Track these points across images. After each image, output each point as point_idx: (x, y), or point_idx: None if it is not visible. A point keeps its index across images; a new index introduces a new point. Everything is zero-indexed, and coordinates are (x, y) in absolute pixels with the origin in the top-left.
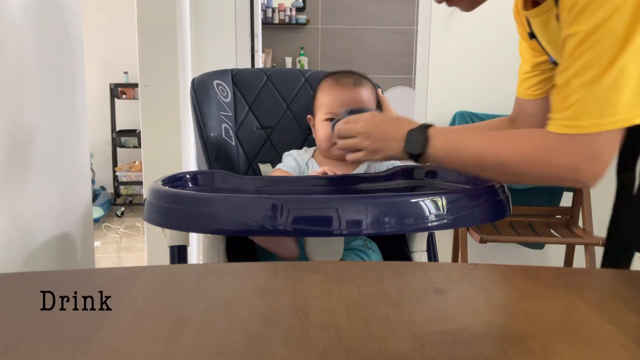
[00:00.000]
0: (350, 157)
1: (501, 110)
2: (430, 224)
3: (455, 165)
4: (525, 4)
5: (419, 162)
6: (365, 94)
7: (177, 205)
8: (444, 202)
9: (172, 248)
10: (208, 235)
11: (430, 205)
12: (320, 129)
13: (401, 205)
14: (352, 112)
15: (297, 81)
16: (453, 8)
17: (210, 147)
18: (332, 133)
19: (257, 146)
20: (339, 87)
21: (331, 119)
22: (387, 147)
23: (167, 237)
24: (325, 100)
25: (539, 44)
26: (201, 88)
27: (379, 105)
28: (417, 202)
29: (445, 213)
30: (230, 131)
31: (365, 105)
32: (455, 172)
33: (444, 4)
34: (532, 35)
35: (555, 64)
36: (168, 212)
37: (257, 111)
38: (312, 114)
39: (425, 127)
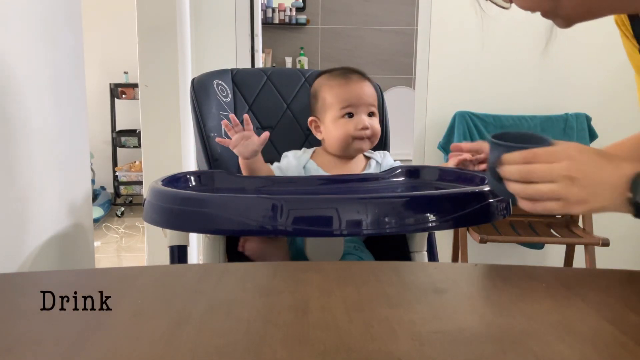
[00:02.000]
0: (535, 207)
1: (501, 110)
2: (430, 224)
3: None
4: None
5: None
6: (373, 91)
7: (177, 205)
8: (444, 202)
9: (172, 248)
10: (208, 235)
11: (430, 206)
12: (336, 127)
13: (401, 206)
14: (499, 137)
15: (297, 81)
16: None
17: (210, 147)
18: (497, 167)
19: None
20: (348, 81)
21: (349, 114)
22: (598, 197)
23: (167, 237)
24: (335, 97)
25: None
26: (201, 88)
27: (382, 106)
28: (418, 202)
29: (445, 213)
30: None
31: (370, 100)
32: (455, 173)
33: (504, 7)
34: None
35: None
36: (168, 212)
37: (257, 111)
38: (316, 116)
39: None
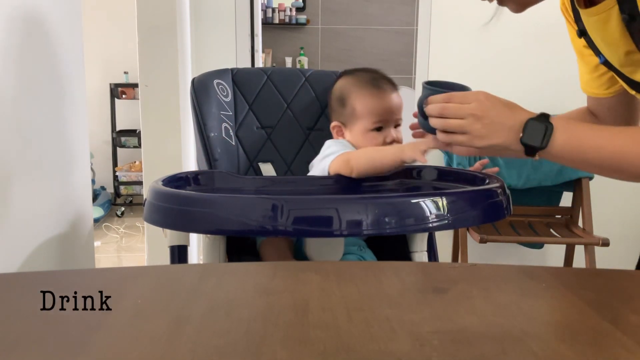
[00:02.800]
0: (447, 138)
1: None
2: (430, 225)
3: (578, 164)
4: (578, 2)
5: (532, 156)
6: (401, 100)
7: (177, 205)
8: (445, 202)
9: (172, 248)
10: (208, 235)
11: (430, 206)
12: (365, 140)
13: (401, 206)
14: (431, 84)
15: (297, 81)
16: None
17: (211, 147)
18: (424, 105)
19: (257, 146)
20: (380, 92)
21: (379, 128)
22: (496, 135)
23: (167, 237)
24: (367, 109)
25: (590, 43)
26: (201, 87)
27: None
28: (418, 202)
29: (445, 213)
30: (231, 131)
31: (399, 112)
32: (455, 173)
33: (488, 3)
34: (581, 34)
35: (606, 64)
36: (168, 212)
37: (257, 111)
38: (342, 122)
39: (546, 117)
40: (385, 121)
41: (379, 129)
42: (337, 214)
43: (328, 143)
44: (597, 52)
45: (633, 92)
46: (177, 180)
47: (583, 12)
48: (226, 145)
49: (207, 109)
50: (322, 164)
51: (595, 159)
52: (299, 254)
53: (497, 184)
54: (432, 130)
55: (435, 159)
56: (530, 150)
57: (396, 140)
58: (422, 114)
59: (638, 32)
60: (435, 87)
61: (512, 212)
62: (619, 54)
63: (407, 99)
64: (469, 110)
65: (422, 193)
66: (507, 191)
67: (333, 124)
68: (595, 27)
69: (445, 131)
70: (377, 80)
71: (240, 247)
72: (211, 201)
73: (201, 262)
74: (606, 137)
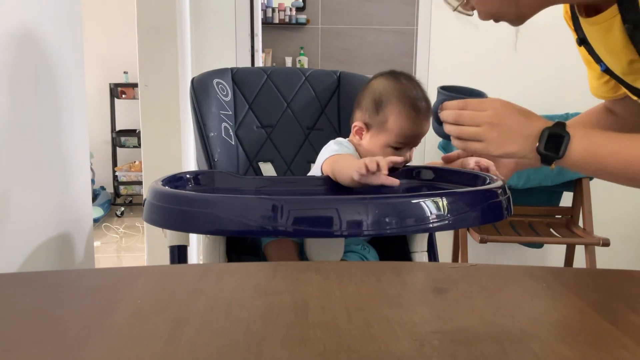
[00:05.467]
0: (462, 145)
1: None
2: (430, 225)
3: (596, 172)
4: (579, 10)
5: (549, 164)
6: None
7: (177, 206)
8: (445, 202)
9: (172, 248)
10: (208, 235)
11: (431, 206)
12: (381, 152)
13: (402, 206)
14: (446, 89)
15: (297, 80)
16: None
17: (210, 147)
18: (438, 111)
19: (257, 145)
20: (419, 117)
21: (397, 148)
22: (512, 143)
23: (167, 237)
24: (400, 128)
25: (590, 51)
26: (201, 87)
27: None
28: (418, 203)
29: (445, 214)
30: (230, 130)
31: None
32: (455, 174)
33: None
34: (581, 42)
35: (607, 72)
36: (168, 212)
37: (257, 110)
38: (367, 124)
39: (562, 126)
40: (408, 144)
41: (397, 148)
42: (337, 214)
43: (330, 142)
44: (598, 60)
45: (635, 98)
46: (177, 180)
47: (584, 21)
48: (226, 145)
49: (207, 108)
50: (318, 163)
51: (613, 167)
52: (303, 255)
53: (498, 185)
54: (447, 136)
55: (435, 158)
56: (546, 160)
57: (405, 161)
58: (437, 120)
59: None
60: (450, 93)
61: (512, 212)
62: (621, 62)
63: None
64: (485, 118)
65: (422, 193)
66: (508, 191)
67: (356, 123)
68: (596, 36)
69: (460, 138)
70: (419, 103)
71: (240, 247)
72: (211, 201)
73: (201, 262)
74: (625, 144)
